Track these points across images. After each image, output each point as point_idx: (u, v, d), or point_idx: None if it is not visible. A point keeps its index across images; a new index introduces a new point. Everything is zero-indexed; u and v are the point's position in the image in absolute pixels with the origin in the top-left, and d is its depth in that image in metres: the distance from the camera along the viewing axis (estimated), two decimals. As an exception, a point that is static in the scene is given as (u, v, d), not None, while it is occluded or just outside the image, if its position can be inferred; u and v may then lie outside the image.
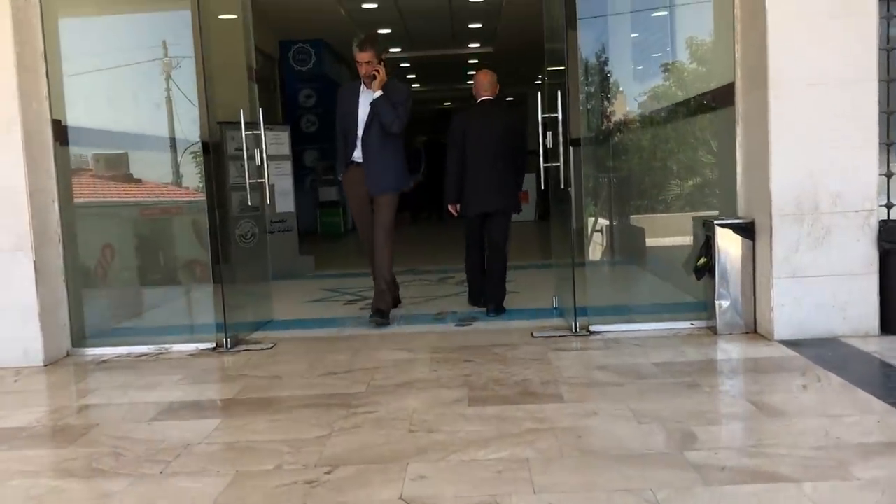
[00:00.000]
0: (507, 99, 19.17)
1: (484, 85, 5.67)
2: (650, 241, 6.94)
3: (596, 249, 7.63)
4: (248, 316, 5.57)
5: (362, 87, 5.36)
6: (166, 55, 6.85)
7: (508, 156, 5.61)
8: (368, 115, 5.29)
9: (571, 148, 5.08)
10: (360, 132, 5.34)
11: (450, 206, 5.74)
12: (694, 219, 5.30)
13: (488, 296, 5.65)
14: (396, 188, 5.42)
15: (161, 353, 4.90)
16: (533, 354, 4.37)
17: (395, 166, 5.42)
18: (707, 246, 4.71)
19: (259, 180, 5.33)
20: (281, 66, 13.14)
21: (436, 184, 16.48)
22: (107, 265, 6.39)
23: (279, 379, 4.16)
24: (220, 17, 5.96)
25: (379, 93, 5.24)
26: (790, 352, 4.15)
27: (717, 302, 4.63)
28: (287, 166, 8.79)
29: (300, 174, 14.40)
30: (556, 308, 5.66)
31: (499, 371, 4.05)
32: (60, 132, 5.02)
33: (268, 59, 10.17)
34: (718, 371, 4.07)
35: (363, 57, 5.23)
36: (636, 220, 7.29)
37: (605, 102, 7.21)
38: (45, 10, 4.87)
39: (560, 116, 4.96)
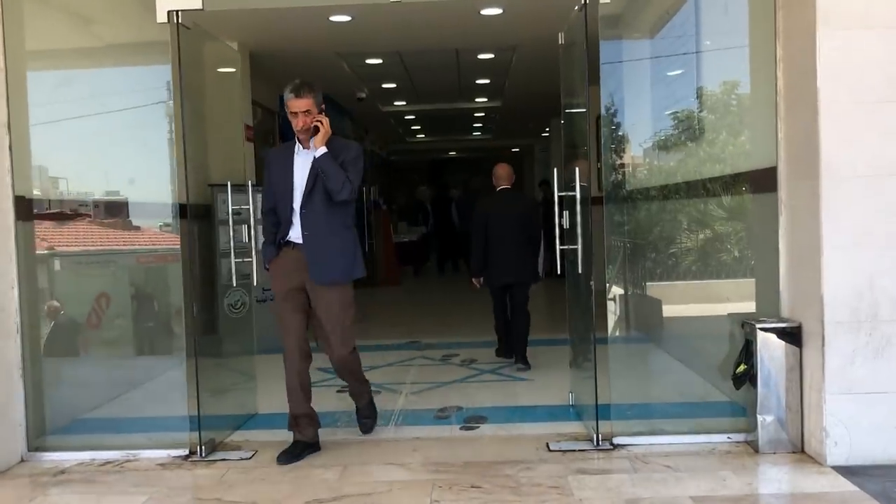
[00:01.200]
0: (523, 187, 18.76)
1: (503, 176, 6.51)
2: (678, 328, 6.37)
3: (617, 327, 7.08)
4: (229, 407, 5.01)
5: (297, 148, 4.26)
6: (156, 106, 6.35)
7: (525, 235, 6.35)
8: (309, 181, 4.17)
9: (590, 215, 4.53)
10: (296, 204, 4.21)
11: (474, 279, 6.52)
12: (730, 316, 4.75)
13: (517, 354, 6.36)
14: (349, 276, 4.33)
15: (128, 461, 4.33)
16: (550, 478, 3.80)
17: (346, 247, 4.30)
18: (747, 351, 4.15)
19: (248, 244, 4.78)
20: (281, 119, 12.71)
21: (445, 236, 16.34)
22: (98, 319, 5.91)
23: (255, 508, 3.58)
24: (219, 69, 5.52)
25: (322, 150, 4.14)
26: (849, 484, 3.57)
27: (759, 416, 4.06)
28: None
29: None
30: (572, 406, 5.10)
31: (511, 505, 3.47)
32: (24, 209, 4.51)
33: (268, 113, 9.71)
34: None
35: (299, 105, 4.14)
36: (662, 302, 6.73)
37: (625, 174, 6.71)
38: (11, 73, 4.39)
39: (578, 196, 4.46)
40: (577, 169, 4.55)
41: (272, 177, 4.35)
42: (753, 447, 4.11)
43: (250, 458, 4.31)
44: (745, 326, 4.19)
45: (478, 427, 4.75)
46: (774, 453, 4.04)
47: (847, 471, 3.72)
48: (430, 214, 19.55)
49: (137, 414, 5.29)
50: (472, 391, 5.67)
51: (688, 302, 6.17)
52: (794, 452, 4.03)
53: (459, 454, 4.23)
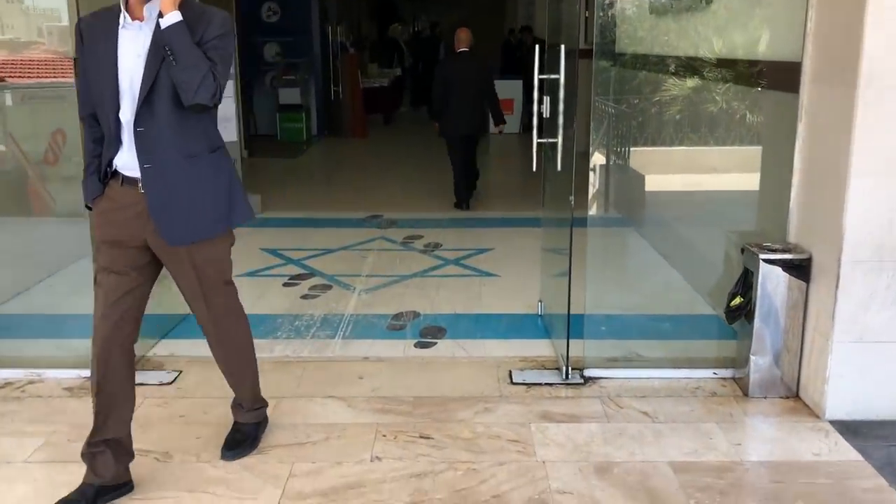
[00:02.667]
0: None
1: (463, 40, 7.56)
2: (663, 216, 5.78)
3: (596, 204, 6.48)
4: (153, 308, 4.43)
5: (124, 19, 2.61)
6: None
7: (480, 94, 7.56)
8: (147, 72, 2.56)
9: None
10: (126, 114, 2.61)
11: (436, 123, 7.74)
12: (729, 235, 4.15)
13: (460, 196, 7.73)
14: (222, 227, 2.90)
15: (32, 382, 3.78)
16: (511, 426, 3.31)
17: (214, 182, 2.79)
18: (744, 282, 3.59)
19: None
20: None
21: (422, 82, 15.31)
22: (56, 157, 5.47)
23: (166, 462, 3.07)
24: None
25: (173, 17, 2.52)
26: (851, 451, 3.13)
27: (752, 357, 3.56)
28: (229, 86, 7.40)
29: (260, 70, 12.93)
30: (541, 317, 4.59)
31: (464, 470, 2.99)
32: None
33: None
34: (759, 487, 3.02)
35: None
36: (645, 184, 6.10)
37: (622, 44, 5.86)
38: None
39: (562, 80, 3.74)
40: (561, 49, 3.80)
41: (87, 60, 2.68)
42: (742, 388, 3.64)
43: (171, 382, 3.77)
44: (745, 253, 3.61)
45: (434, 343, 4.23)
46: (765, 398, 3.57)
47: (847, 428, 3.27)
48: (404, 54, 18.39)
49: (54, 309, 4.72)
50: (432, 290, 5.11)
51: (682, 203, 5.54)
52: (787, 398, 3.56)
53: (411, 384, 3.72)
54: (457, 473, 2.97)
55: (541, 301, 4.64)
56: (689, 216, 5.34)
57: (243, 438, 3.16)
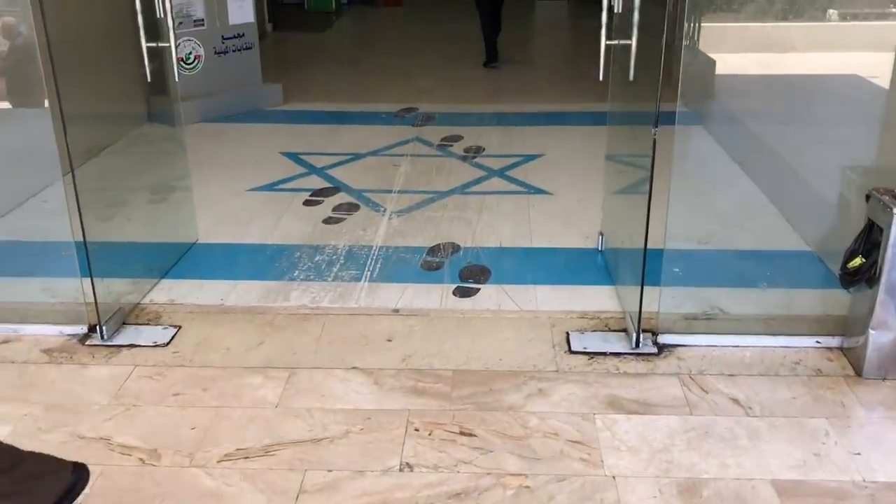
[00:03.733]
0: None
1: None
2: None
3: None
4: (154, 232, 3.86)
5: None
6: None
7: None
8: None
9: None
10: None
11: None
12: (845, 172, 3.36)
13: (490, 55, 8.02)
14: None
15: (8, 340, 3.24)
16: (571, 419, 2.70)
17: None
18: (867, 238, 2.85)
19: None
20: None
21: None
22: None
23: (153, 465, 2.53)
24: None
25: None
26: None
27: (871, 332, 2.86)
28: (245, -39, 6.52)
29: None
30: (601, 253, 3.90)
31: (515, 488, 2.41)
32: None
33: None
34: None
35: None
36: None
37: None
38: None
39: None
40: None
41: None
42: (854, 365, 2.97)
43: (168, 343, 3.20)
44: (872, 200, 2.85)
45: (476, 290, 3.59)
46: (884, 379, 2.90)
47: None
48: None
49: (45, 236, 4.13)
50: (472, 213, 4.43)
51: (773, 99, 4.68)
52: (912, 381, 2.89)
53: (449, 351, 3.11)
54: (506, 493, 2.39)
55: (602, 234, 3.94)
56: (782, 119, 4.52)
57: None
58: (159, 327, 3.31)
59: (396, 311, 3.42)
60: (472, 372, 2.98)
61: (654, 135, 2.83)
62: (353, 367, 3.02)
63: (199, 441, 2.63)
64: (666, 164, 2.93)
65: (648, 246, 3.01)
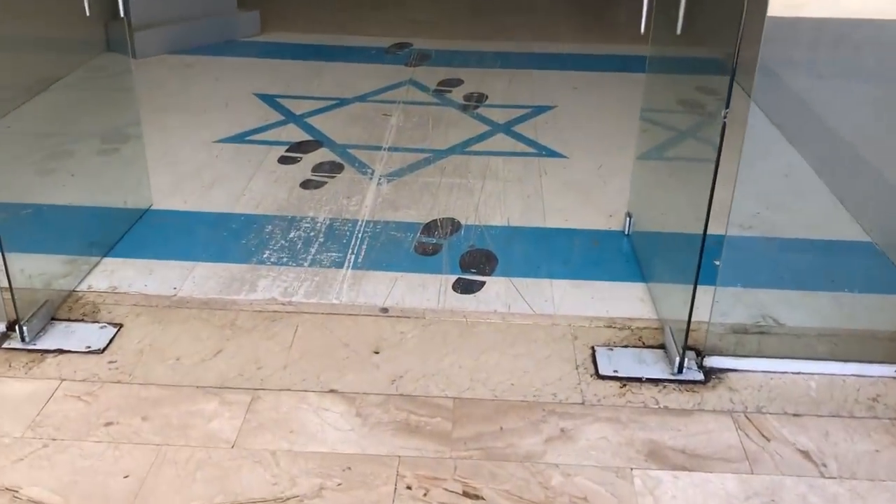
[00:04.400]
0: None
1: None
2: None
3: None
4: (98, 191, 3.23)
5: None
6: None
7: None
8: None
9: None
10: None
11: None
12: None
13: None
14: None
15: None
16: (604, 476, 2.15)
17: None
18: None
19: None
20: None
21: None
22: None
23: (69, 537, 1.97)
24: None
25: None
26: None
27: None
28: None
29: None
30: (627, 237, 3.31)
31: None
32: None
33: None
34: None
35: None
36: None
37: None
38: None
39: None
40: None
41: None
42: (945, 404, 2.42)
43: (104, 348, 2.60)
44: None
45: (481, 285, 3.00)
46: None
47: None
48: None
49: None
50: (475, 180, 3.81)
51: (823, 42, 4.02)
52: None
53: (449, 370, 2.53)
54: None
55: (630, 215, 3.33)
56: (844, 74, 3.89)
57: None
58: (96, 325, 2.71)
59: (385, 310, 2.83)
60: (478, 402, 2.41)
61: (725, 118, 2.20)
62: (331, 390, 2.44)
63: (131, 497, 2.06)
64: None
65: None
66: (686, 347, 2.53)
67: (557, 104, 4.76)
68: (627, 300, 2.91)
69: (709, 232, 2.37)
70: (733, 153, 2.37)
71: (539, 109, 4.68)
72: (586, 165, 3.98)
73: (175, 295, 2.88)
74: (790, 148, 4.00)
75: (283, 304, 2.85)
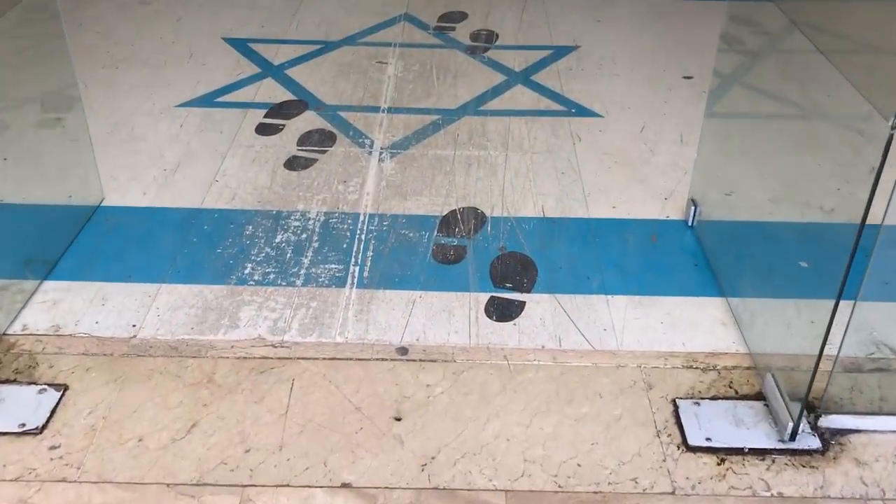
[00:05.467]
0: None
1: None
2: None
3: None
4: (30, 188, 2.58)
5: None
6: None
7: None
8: None
9: None
10: None
11: None
12: None
13: None
14: None
15: None
16: None
17: None
18: None
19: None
20: None
21: None
22: None
23: None
24: None
25: None
26: None
27: None
28: None
29: None
30: (691, 229, 2.71)
31: None
32: None
33: None
34: None
35: None
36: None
37: None
38: None
39: None
40: None
41: None
42: None
43: (44, 425, 2.00)
44: None
45: (520, 307, 2.39)
46: None
47: None
48: None
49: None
50: (494, 149, 3.15)
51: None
52: None
53: (495, 450, 1.95)
54: None
55: (695, 203, 2.71)
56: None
57: None
58: (32, 389, 2.10)
59: (403, 351, 2.23)
60: (538, 496, 1.84)
61: (893, 129, 1.56)
62: (344, 484, 1.86)
63: None
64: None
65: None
66: (805, 405, 1.96)
67: (580, 43, 4.05)
68: (705, 324, 2.33)
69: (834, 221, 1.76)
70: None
71: (560, 51, 3.97)
72: (626, 127, 3.33)
73: (134, 336, 2.26)
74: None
75: (274, 345, 2.24)
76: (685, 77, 3.70)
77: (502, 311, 2.37)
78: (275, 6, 4.46)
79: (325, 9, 4.43)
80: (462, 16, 4.35)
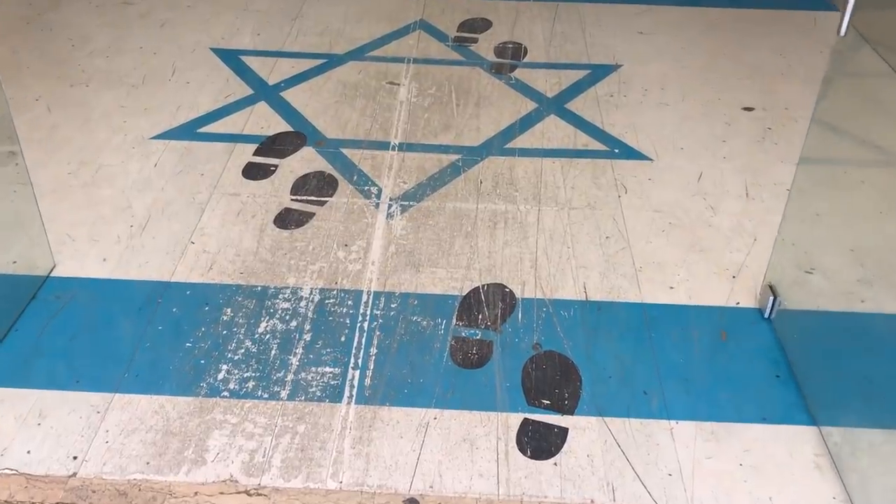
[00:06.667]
0: None
1: None
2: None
3: None
4: None
5: None
6: None
7: None
8: None
9: None
10: None
11: None
12: None
13: None
14: None
15: None
16: None
17: None
18: None
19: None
20: None
21: None
22: None
23: None
24: None
25: None
26: None
27: None
28: None
29: None
30: (768, 321, 2.20)
31: None
32: None
33: None
34: None
35: None
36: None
37: None
38: None
39: None
40: None
41: None
42: None
43: None
44: None
45: (564, 435, 1.90)
46: None
47: None
48: None
49: None
50: (524, 202, 2.64)
51: None
52: None
53: None
54: None
55: (774, 292, 2.20)
56: None
57: None
58: (-65, 558, 1.62)
59: (414, 503, 1.75)
60: None
61: None
62: None
63: None
64: None
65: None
66: None
67: (621, 61, 3.52)
68: (796, 468, 1.83)
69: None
70: None
71: (598, 71, 3.44)
72: (680, 175, 2.81)
73: (74, 475, 1.78)
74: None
75: (248, 493, 1.76)
76: (745, 108, 3.17)
77: (539, 443, 1.88)
78: (273, 8, 3.93)
79: (329, 13, 3.90)
80: (485, 24, 3.82)
